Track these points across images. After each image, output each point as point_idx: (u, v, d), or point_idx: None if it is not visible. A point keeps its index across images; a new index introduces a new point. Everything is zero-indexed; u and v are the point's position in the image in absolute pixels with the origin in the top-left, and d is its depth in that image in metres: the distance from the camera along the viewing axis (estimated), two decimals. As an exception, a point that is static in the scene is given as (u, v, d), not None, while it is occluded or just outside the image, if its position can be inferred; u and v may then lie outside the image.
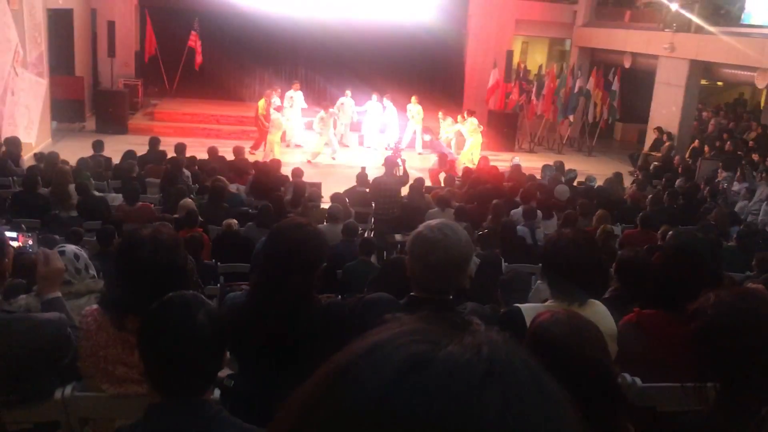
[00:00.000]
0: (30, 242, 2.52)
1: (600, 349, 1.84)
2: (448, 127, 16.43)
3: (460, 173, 12.53)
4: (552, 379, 0.57)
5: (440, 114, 16.71)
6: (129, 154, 10.68)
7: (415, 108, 16.59)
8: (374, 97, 16.66)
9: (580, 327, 1.86)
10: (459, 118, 16.10)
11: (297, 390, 0.62)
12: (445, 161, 13.32)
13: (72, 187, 8.24)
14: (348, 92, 16.58)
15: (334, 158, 15.55)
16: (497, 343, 0.57)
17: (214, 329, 1.78)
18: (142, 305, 1.88)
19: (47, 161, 9.65)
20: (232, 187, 9.74)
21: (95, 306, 2.37)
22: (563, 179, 11.57)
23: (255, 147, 15.17)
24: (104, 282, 3.14)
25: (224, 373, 2.51)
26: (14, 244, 2.53)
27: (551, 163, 13.28)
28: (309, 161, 15.14)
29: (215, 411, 1.75)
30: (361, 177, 10.54)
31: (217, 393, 2.21)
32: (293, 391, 1.95)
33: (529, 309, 2.66)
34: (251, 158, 12.87)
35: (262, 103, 15.23)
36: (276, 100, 15.34)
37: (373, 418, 0.52)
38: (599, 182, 11.97)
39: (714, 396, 1.88)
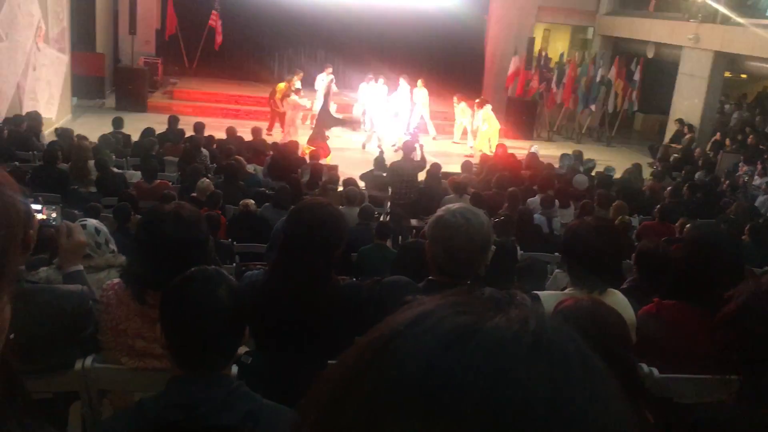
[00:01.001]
0: (54, 215, 2.54)
1: (622, 338, 1.84)
2: (461, 114, 16.29)
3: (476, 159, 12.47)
4: (598, 357, 0.56)
5: (455, 99, 16.54)
6: (148, 132, 10.73)
7: (420, 92, 16.33)
8: (401, 80, 16.36)
9: (603, 314, 1.85)
10: (475, 106, 15.94)
11: (337, 360, 0.61)
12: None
13: (91, 162, 8.30)
14: (381, 79, 15.97)
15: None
16: (543, 317, 0.56)
17: (235, 305, 1.79)
18: (163, 280, 1.90)
19: (61, 137, 9.73)
20: (249, 167, 9.77)
21: (116, 280, 2.39)
22: (581, 169, 11.50)
23: (269, 128, 15.14)
24: (124, 257, 3.17)
25: (242, 350, 2.53)
26: (38, 216, 2.55)
27: (570, 152, 13.19)
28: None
29: (236, 385, 1.76)
30: (379, 161, 10.53)
31: (234, 369, 2.22)
32: (310, 370, 1.94)
33: (548, 296, 2.66)
34: (269, 139, 12.87)
35: (282, 86, 15.18)
36: (298, 84, 15.23)
37: (418, 389, 0.51)
38: (618, 173, 11.88)
39: (738, 386, 1.86)
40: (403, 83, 16.03)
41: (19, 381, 0.91)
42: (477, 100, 15.93)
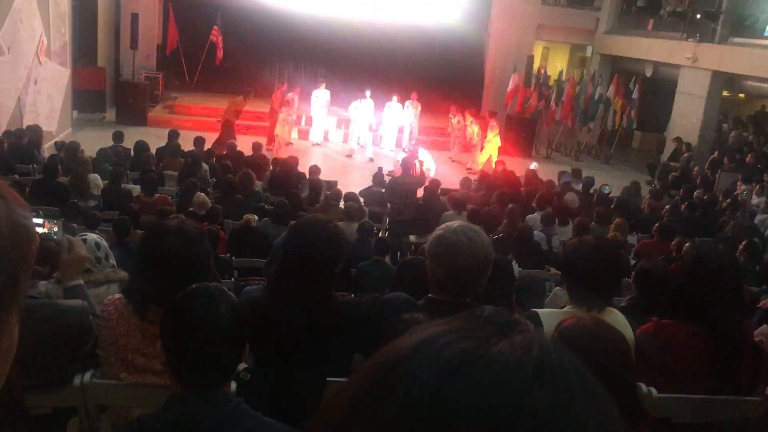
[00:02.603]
0: (55, 228, 2.54)
1: (623, 358, 1.84)
2: (458, 126, 16.45)
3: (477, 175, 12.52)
4: (599, 383, 0.57)
5: (451, 114, 16.71)
6: (141, 146, 10.65)
7: (412, 105, 16.79)
8: (394, 98, 16.63)
9: (605, 334, 1.85)
10: (470, 117, 16.13)
11: (342, 384, 0.62)
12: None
13: (91, 176, 8.32)
14: (368, 93, 16.48)
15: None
16: (547, 343, 0.57)
17: (235, 323, 1.79)
18: (165, 296, 1.90)
19: (67, 150, 9.74)
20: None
21: (117, 295, 2.39)
22: (576, 186, 11.51)
23: (269, 142, 15.21)
24: (123, 272, 3.17)
25: (240, 366, 2.53)
26: (40, 230, 2.55)
27: (569, 169, 13.21)
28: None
29: (235, 403, 1.76)
30: (378, 177, 10.55)
31: (233, 386, 2.22)
32: (309, 387, 1.94)
33: (547, 314, 2.66)
34: (268, 154, 12.91)
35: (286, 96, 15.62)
36: (291, 95, 15.55)
37: (424, 414, 0.52)
38: (617, 190, 11.89)
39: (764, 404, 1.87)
40: (395, 100, 16.46)
41: (20, 396, 0.91)
42: (487, 113, 16.19)
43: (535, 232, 7.92)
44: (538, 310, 2.72)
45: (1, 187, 0.76)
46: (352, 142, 16.31)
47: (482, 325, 0.59)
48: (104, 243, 3.20)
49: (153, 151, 10.71)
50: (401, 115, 16.67)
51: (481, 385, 0.52)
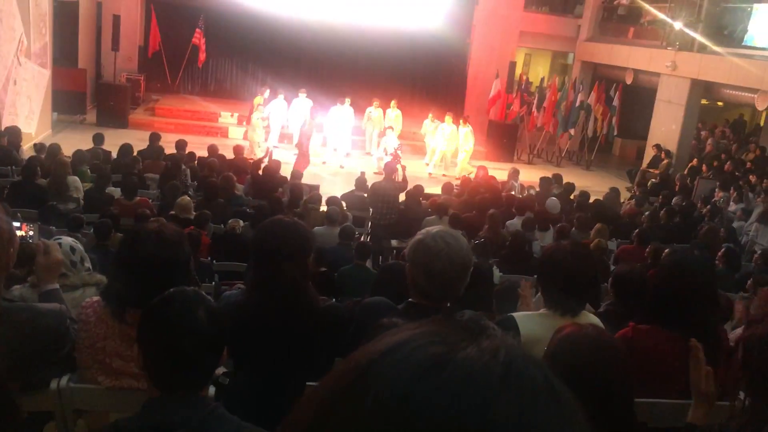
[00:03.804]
0: (31, 232, 2.52)
1: (624, 367, 1.85)
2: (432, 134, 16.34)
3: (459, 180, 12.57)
4: (565, 387, 0.59)
5: (430, 116, 16.70)
6: (126, 149, 10.58)
7: (393, 113, 16.55)
8: (375, 103, 16.60)
9: (606, 344, 1.86)
10: (448, 119, 16.04)
11: (312, 388, 0.62)
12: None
13: (70, 179, 8.24)
14: (347, 100, 16.05)
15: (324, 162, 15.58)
16: (513, 347, 0.59)
17: (213, 326, 1.79)
18: (144, 299, 1.89)
19: (48, 153, 9.65)
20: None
21: (95, 298, 2.38)
22: (556, 191, 11.59)
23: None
24: (100, 275, 3.15)
25: (219, 370, 2.52)
26: (18, 233, 2.53)
27: (550, 175, 13.30)
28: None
29: (213, 407, 1.76)
30: (360, 182, 10.56)
31: (211, 390, 2.21)
32: (288, 391, 1.94)
33: (522, 317, 2.69)
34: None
35: (257, 99, 15.37)
36: (259, 99, 15.34)
37: (391, 417, 0.53)
38: (598, 197, 11.99)
39: (747, 409, 1.90)
40: (376, 105, 16.33)
41: (11, 398, 0.91)
42: (460, 117, 16.17)
43: (516, 238, 7.96)
44: (515, 314, 2.74)
45: None
46: (328, 148, 15.92)
47: (452, 330, 0.60)
48: (79, 246, 3.17)
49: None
50: (382, 121, 16.43)
51: (450, 390, 0.53)
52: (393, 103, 16.60)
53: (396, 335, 0.60)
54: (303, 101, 15.78)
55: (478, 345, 0.58)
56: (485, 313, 4.29)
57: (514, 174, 12.96)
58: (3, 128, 11.11)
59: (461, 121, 16.15)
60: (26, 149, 11.27)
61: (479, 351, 0.57)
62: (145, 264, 2.16)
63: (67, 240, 3.16)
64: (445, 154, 16.10)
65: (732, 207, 12.63)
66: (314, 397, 0.60)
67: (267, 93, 15.76)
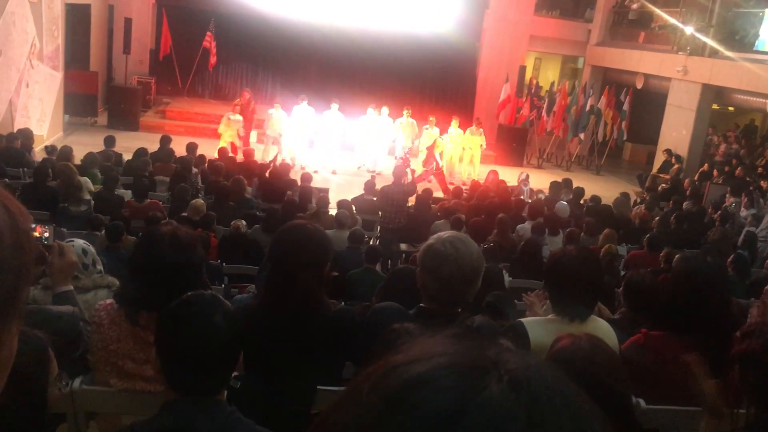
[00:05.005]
0: (47, 233, 2.54)
1: (619, 378, 1.85)
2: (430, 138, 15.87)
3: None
4: (594, 414, 0.58)
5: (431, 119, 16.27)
6: (141, 152, 10.69)
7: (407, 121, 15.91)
8: (407, 111, 15.90)
9: (602, 355, 1.86)
10: (455, 122, 15.68)
11: (331, 409, 0.62)
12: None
13: (82, 180, 8.29)
14: (335, 105, 15.26)
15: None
16: (535, 378, 0.57)
17: (230, 330, 1.80)
18: (158, 302, 1.90)
19: (60, 155, 9.72)
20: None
21: (109, 300, 2.39)
22: (567, 197, 11.57)
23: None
24: (111, 277, 3.16)
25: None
26: (33, 234, 2.54)
27: (559, 180, 13.27)
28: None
29: (229, 411, 1.76)
30: (369, 185, 10.56)
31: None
32: (299, 395, 1.94)
33: (532, 323, 2.68)
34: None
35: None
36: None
37: None
38: (608, 202, 11.95)
39: (748, 419, 1.89)
40: (385, 112, 15.67)
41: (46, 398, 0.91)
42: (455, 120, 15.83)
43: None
44: (524, 320, 2.73)
45: (3, 196, 0.77)
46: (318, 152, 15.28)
47: (471, 359, 0.59)
48: (91, 249, 3.19)
49: (144, 156, 10.68)
50: (391, 128, 15.74)
51: None
52: (406, 112, 16.14)
53: (412, 367, 0.59)
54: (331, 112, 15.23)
55: (498, 380, 0.57)
56: (496, 318, 4.28)
57: (525, 180, 12.95)
58: (15, 130, 11.19)
59: (473, 125, 16.06)
60: (38, 151, 11.35)
61: (501, 390, 0.56)
62: (159, 266, 2.17)
63: (79, 242, 3.18)
64: (452, 159, 15.91)
65: (743, 213, 12.54)
66: (337, 421, 0.60)
67: (304, 103, 14.99)
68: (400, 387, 0.58)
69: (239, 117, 14.34)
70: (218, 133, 14.35)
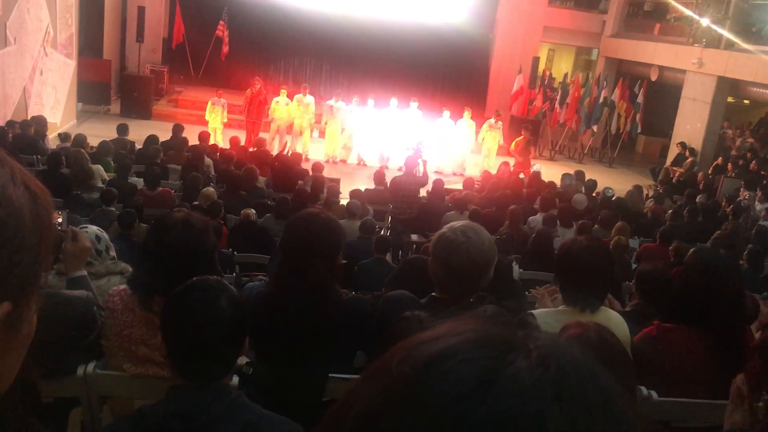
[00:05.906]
0: (60, 219, 2.55)
1: (626, 368, 1.84)
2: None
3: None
4: (622, 396, 0.58)
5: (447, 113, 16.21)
6: (152, 140, 10.74)
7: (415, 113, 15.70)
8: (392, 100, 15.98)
9: (610, 345, 1.85)
10: (466, 115, 15.57)
11: (350, 392, 0.61)
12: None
13: (95, 167, 8.34)
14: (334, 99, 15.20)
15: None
16: (563, 355, 0.57)
17: (235, 315, 1.80)
18: (171, 288, 1.91)
19: (75, 142, 9.78)
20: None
21: (123, 286, 2.40)
22: (582, 189, 11.52)
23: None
24: (124, 264, 3.18)
25: (243, 360, 2.53)
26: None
27: (572, 172, 13.22)
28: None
29: (235, 395, 1.77)
30: (379, 176, 10.56)
31: (235, 380, 2.23)
32: (310, 382, 1.94)
33: (542, 314, 2.67)
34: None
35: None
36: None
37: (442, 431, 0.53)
38: (620, 194, 11.90)
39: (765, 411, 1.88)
40: (394, 103, 15.44)
41: (35, 384, 0.92)
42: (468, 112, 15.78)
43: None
44: (534, 311, 2.73)
45: (24, 176, 0.77)
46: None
47: (498, 334, 0.59)
48: (105, 235, 3.20)
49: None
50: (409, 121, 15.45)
51: (501, 409, 0.53)
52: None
53: (441, 341, 0.59)
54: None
55: (527, 355, 0.57)
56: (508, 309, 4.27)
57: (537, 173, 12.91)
58: (29, 117, 11.25)
59: (493, 118, 15.95)
60: (51, 138, 11.41)
61: (529, 365, 0.56)
62: (171, 252, 2.18)
63: (93, 228, 3.20)
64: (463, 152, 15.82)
65: (758, 206, 12.45)
66: (354, 403, 0.59)
67: (355, 101, 15.06)
68: (429, 358, 0.58)
69: (223, 100, 14.62)
70: (205, 120, 14.57)
